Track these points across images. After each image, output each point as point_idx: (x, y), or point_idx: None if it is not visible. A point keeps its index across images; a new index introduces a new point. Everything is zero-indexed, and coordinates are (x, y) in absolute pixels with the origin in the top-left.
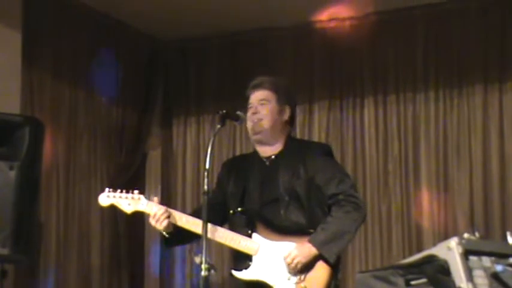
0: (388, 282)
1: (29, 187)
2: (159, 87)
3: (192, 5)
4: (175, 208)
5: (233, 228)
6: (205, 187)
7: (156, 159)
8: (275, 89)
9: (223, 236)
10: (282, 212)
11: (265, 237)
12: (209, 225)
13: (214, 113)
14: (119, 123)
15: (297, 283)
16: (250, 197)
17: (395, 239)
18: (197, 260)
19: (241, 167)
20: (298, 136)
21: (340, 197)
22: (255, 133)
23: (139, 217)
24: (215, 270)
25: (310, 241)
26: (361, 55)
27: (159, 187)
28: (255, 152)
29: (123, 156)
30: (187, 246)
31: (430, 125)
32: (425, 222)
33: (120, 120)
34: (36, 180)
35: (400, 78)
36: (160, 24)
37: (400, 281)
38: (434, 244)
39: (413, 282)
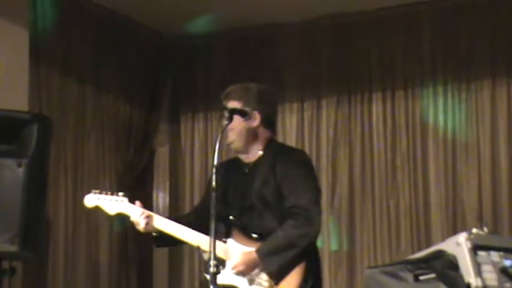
0: (397, 277)
1: (37, 184)
2: (166, 83)
3: (199, 1)
4: (183, 204)
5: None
6: (214, 183)
7: (164, 156)
8: (240, 98)
9: (199, 239)
10: (256, 219)
11: (240, 243)
12: (181, 227)
13: (221, 109)
14: (127, 120)
15: (268, 287)
16: (231, 202)
17: (403, 234)
18: (205, 256)
19: (226, 173)
20: (306, 132)
21: (294, 210)
22: (228, 144)
23: None
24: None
25: (256, 250)
26: (369, 50)
27: (167, 184)
28: (239, 158)
29: (131, 153)
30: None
31: (438, 120)
32: (434, 218)
33: (128, 117)
34: (44, 177)
35: (408, 73)
36: (168, 21)
37: (409, 277)
38: (442, 239)
39: (421, 278)
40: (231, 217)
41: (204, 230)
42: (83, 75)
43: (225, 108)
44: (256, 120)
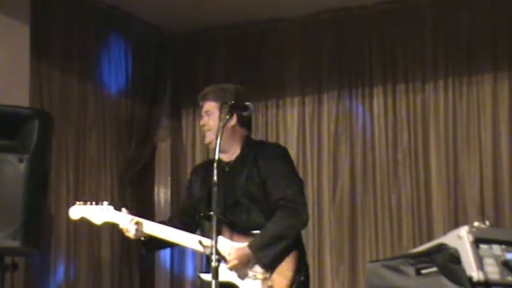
0: (399, 271)
1: (38, 180)
2: (167, 79)
3: None
4: None
5: (203, 232)
6: (215, 178)
7: (165, 151)
8: (217, 98)
9: (189, 239)
10: (244, 215)
11: (230, 239)
12: (171, 229)
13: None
14: (128, 116)
15: (263, 281)
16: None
17: (405, 228)
18: (207, 251)
19: (207, 173)
20: (308, 127)
21: (281, 202)
22: (207, 143)
23: (149, 210)
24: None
25: (248, 245)
26: (369, 44)
27: (169, 179)
28: (219, 159)
29: (133, 149)
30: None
31: (439, 114)
32: (435, 211)
33: (129, 113)
34: (46, 173)
35: (409, 67)
36: (169, 16)
37: (411, 270)
38: (444, 233)
39: (423, 271)
40: (211, 213)
41: (190, 231)
42: (84, 71)
43: (226, 103)
44: (233, 119)
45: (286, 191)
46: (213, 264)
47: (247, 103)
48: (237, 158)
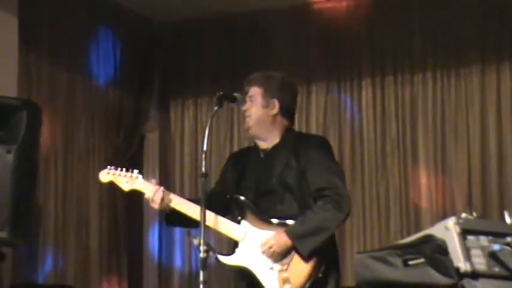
0: (386, 262)
1: (27, 170)
2: (156, 70)
3: None
4: (173, 191)
5: (224, 214)
6: (203, 169)
7: (153, 142)
8: (261, 84)
9: (212, 220)
10: (277, 203)
11: (254, 225)
12: (197, 207)
13: (211, 95)
14: (117, 107)
15: (279, 272)
16: (245, 186)
17: (393, 219)
18: (195, 241)
19: (241, 160)
20: (296, 117)
21: (326, 192)
22: (246, 129)
23: (138, 200)
24: (214, 252)
25: (287, 232)
26: (358, 36)
27: (157, 170)
28: (255, 145)
29: (121, 139)
30: (186, 229)
31: (427, 106)
32: (423, 203)
33: (118, 104)
34: (34, 163)
35: (397, 59)
36: (157, 7)
37: (398, 261)
38: (432, 224)
39: (411, 263)
40: (242, 197)
41: (220, 212)
42: (73, 62)
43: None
44: (275, 108)
45: (331, 181)
46: (201, 255)
47: (235, 94)
48: (275, 146)
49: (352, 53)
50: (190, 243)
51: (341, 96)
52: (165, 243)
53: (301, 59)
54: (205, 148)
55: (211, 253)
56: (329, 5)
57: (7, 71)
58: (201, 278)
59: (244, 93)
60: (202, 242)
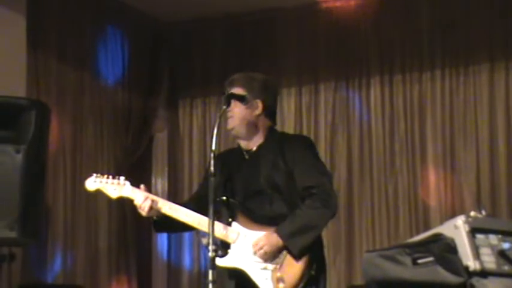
0: (395, 261)
1: (35, 170)
2: (164, 69)
3: None
4: (182, 190)
5: (219, 218)
6: (212, 169)
7: (162, 141)
8: (244, 85)
9: (204, 223)
10: (266, 203)
11: (245, 227)
12: (187, 211)
13: (219, 94)
14: (125, 106)
15: (272, 272)
16: (233, 189)
17: (402, 218)
18: (204, 241)
19: (226, 161)
20: (304, 116)
21: (314, 190)
22: (230, 129)
23: None
24: (222, 251)
25: (277, 232)
26: (366, 35)
27: (166, 169)
28: (239, 147)
29: (130, 139)
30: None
31: (436, 104)
32: (432, 201)
33: (126, 103)
34: (42, 163)
35: (406, 57)
36: (165, 6)
37: (407, 260)
38: (441, 223)
39: (420, 261)
40: (231, 200)
41: (205, 215)
42: (81, 62)
43: (224, 94)
44: (258, 108)
45: (318, 180)
46: (210, 254)
47: (244, 93)
48: (260, 146)
49: (360, 52)
50: (199, 242)
51: (349, 95)
52: (174, 243)
53: (309, 57)
54: (213, 147)
55: (220, 252)
56: (337, 3)
57: (16, 71)
58: (210, 278)
59: (223, 93)
60: (211, 241)
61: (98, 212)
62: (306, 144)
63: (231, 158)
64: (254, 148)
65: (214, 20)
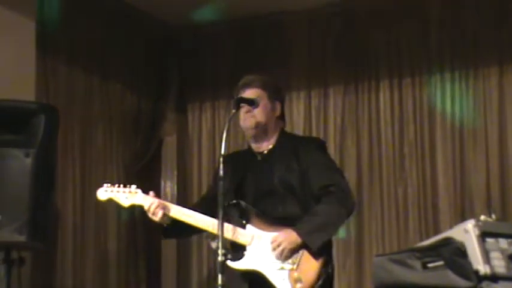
0: (405, 265)
1: (45, 174)
2: (173, 73)
3: None
4: (191, 193)
5: (228, 220)
6: (221, 172)
7: (171, 145)
8: (265, 87)
9: (217, 226)
10: (279, 204)
11: (259, 228)
12: (200, 215)
13: (229, 98)
14: (134, 110)
15: (290, 272)
16: (244, 190)
17: (411, 222)
18: (213, 245)
19: (236, 163)
20: (314, 120)
21: (331, 189)
22: (252, 128)
23: None
24: (234, 254)
25: (295, 230)
26: (375, 38)
27: (175, 173)
28: (249, 148)
29: (139, 143)
30: (204, 233)
31: (445, 107)
32: (442, 205)
33: (135, 107)
34: (52, 167)
35: (415, 60)
36: (174, 9)
37: (417, 264)
38: (451, 227)
39: (430, 265)
40: (242, 202)
41: (214, 218)
42: (90, 66)
43: (233, 97)
44: (278, 110)
45: (335, 178)
46: (219, 258)
47: (253, 97)
48: (273, 148)
49: (369, 55)
50: (208, 246)
51: (358, 98)
52: (184, 247)
53: (319, 61)
54: (222, 151)
55: (229, 256)
56: (346, 6)
57: (25, 75)
58: (219, 282)
59: (237, 93)
60: (220, 245)
61: (107, 215)
62: (319, 145)
63: (241, 160)
64: (267, 149)
65: (224, 23)
